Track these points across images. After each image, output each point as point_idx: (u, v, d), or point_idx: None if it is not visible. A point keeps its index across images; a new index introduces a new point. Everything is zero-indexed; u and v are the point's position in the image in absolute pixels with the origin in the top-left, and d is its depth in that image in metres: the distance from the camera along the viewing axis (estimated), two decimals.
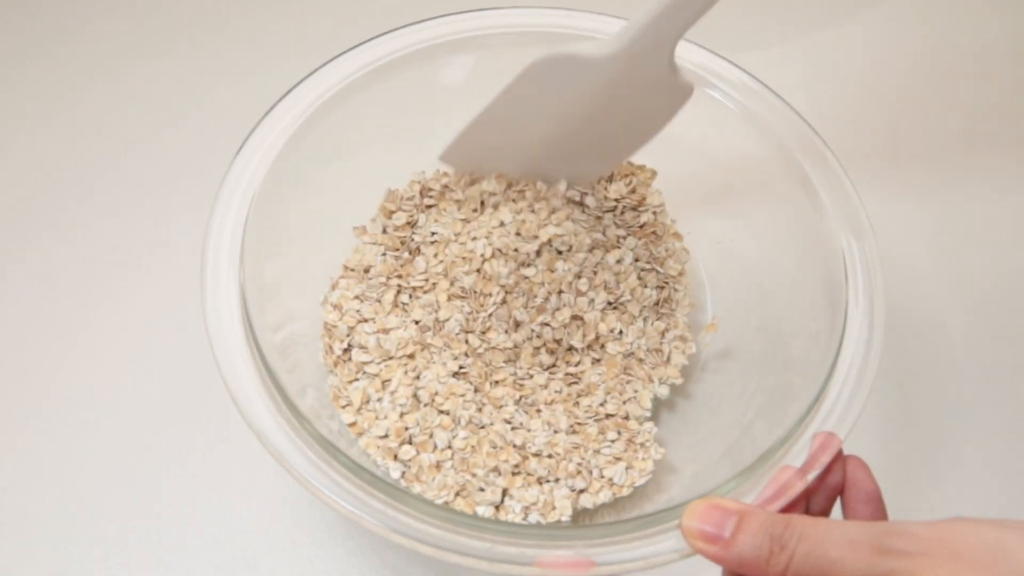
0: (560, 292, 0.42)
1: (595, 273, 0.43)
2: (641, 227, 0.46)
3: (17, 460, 0.44)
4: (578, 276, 0.43)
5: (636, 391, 0.42)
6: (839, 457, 0.34)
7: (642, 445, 0.40)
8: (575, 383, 0.42)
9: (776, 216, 0.44)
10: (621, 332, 0.43)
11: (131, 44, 0.61)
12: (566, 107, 0.39)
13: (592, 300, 0.43)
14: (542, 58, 0.37)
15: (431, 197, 0.45)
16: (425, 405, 0.40)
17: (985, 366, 0.50)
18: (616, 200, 0.45)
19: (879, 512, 0.33)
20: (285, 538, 0.43)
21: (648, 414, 0.41)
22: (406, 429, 0.39)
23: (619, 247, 0.44)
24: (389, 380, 0.40)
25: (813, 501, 0.34)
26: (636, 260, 0.45)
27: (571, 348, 0.43)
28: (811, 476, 0.33)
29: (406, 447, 0.39)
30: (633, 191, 0.46)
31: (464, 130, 0.41)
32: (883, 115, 0.60)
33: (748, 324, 0.45)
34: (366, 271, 0.43)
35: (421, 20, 0.44)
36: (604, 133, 0.41)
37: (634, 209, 0.46)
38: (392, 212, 0.44)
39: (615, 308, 0.44)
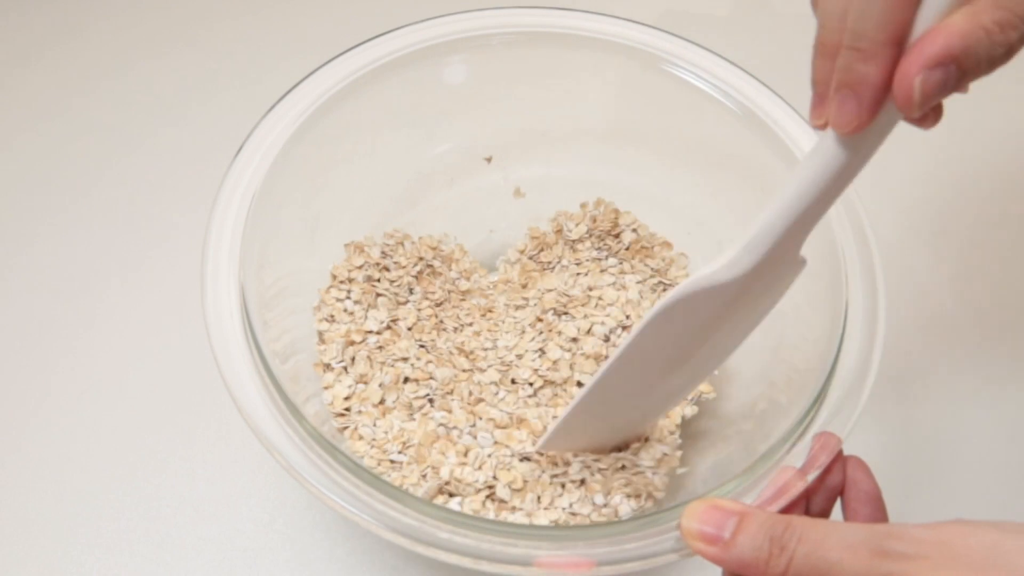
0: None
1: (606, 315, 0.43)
2: (627, 248, 0.46)
3: (17, 460, 0.44)
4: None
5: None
6: (839, 457, 0.33)
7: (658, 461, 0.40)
8: None
9: None
10: None
11: (131, 44, 0.61)
12: (685, 341, 0.33)
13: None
14: (671, 302, 0.31)
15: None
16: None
17: (985, 366, 0.50)
18: (589, 230, 0.45)
19: (879, 512, 0.33)
20: (285, 538, 0.43)
21: (676, 432, 0.41)
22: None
23: (623, 282, 0.44)
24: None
25: (813, 501, 0.34)
26: (641, 282, 0.44)
27: None
28: (811, 477, 0.33)
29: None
30: (594, 221, 0.46)
31: (574, 409, 0.35)
32: None
33: None
34: (347, 281, 0.43)
35: (421, 20, 0.44)
36: (713, 345, 0.35)
37: (613, 235, 0.46)
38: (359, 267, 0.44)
39: None
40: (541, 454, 0.38)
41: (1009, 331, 0.51)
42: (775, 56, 0.59)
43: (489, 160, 0.48)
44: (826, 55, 0.26)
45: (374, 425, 0.40)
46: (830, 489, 0.33)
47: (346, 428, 0.40)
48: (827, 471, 0.33)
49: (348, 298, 0.43)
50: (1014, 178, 0.58)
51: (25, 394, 0.46)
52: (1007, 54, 0.24)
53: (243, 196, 0.38)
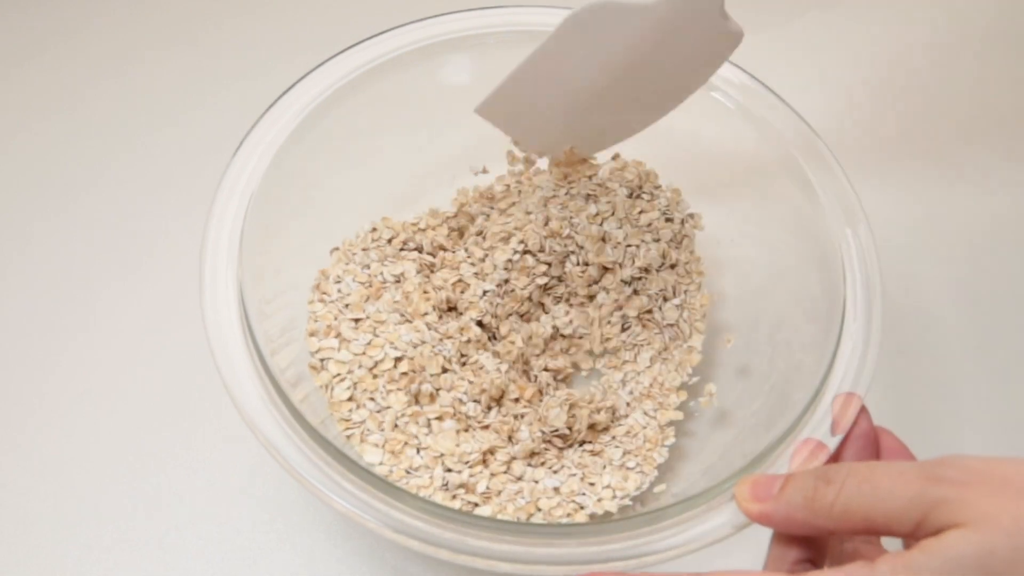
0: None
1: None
2: (629, 196, 0.45)
3: (17, 460, 0.44)
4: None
5: (671, 372, 0.42)
6: (863, 413, 0.34)
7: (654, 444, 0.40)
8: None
9: (773, 213, 0.44)
10: (664, 298, 0.44)
11: (130, 43, 0.61)
12: (609, 58, 0.37)
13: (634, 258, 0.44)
14: (585, 7, 0.34)
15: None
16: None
17: (984, 365, 0.50)
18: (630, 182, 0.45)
19: None
20: (285, 538, 0.43)
21: (672, 428, 0.41)
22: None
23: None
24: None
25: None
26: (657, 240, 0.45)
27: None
28: (837, 439, 0.33)
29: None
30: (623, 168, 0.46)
31: (501, 84, 0.39)
32: (879, 109, 0.60)
33: (745, 323, 0.45)
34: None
35: (420, 19, 0.44)
36: (648, 84, 0.39)
37: (648, 193, 0.45)
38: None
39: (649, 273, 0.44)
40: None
41: (1009, 328, 0.51)
42: (774, 55, 0.59)
43: (484, 171, 0.48)
44: None
45: (380, 430, 0.39)
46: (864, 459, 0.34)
47: (351, 435, 0.39)
48: (850, 434, 0.33)
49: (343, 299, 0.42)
50: (1014, 170, 0.58)
51: (24, 394, 0.46)
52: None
53: (241, 196, 0.38)
